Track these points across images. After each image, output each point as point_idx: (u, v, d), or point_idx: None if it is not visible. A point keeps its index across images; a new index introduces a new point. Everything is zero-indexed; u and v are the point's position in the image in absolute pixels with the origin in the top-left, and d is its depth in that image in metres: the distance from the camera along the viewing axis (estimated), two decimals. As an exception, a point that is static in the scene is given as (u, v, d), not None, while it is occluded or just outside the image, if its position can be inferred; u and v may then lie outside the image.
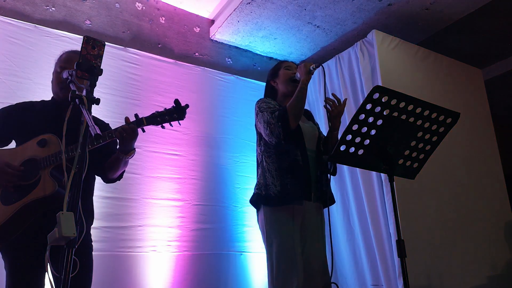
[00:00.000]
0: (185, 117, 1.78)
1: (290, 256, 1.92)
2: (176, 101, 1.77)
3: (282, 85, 2.25)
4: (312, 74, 2.09)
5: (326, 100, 2.14)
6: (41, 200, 1.60)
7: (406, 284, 1.52)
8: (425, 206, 2.97)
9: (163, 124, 1.77)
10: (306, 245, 2.02)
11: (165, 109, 1.77)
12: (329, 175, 2.12)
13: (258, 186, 2.11)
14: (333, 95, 2.17)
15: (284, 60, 2.47)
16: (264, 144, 2.13)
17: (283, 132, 1.97)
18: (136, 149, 1.81)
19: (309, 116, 2.37)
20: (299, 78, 2.10)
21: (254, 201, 2.12)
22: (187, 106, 1.78)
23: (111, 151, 1.84)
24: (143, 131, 1.76)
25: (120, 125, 1.71)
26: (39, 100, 1.91)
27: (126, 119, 1.73)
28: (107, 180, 1.94)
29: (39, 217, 1.63)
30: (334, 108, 2.13)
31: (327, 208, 2.17)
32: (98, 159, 1.80)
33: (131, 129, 1.70)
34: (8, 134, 1.82)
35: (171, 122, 1.77)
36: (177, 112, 1.76)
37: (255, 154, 2.23)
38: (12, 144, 1.83)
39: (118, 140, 1.74)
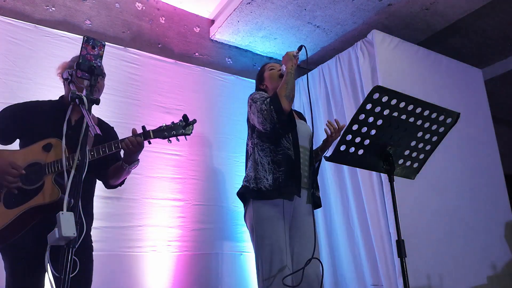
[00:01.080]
0: (192, 133, 1.78)
1: (280, 257, 1.91)
2: (184, 116, 1.78)
3: (270, 83, 2.27)
4: (297, 57, 2.11)
5: (328, 123, 2.18)
6: (43, 207, 1.59)
7: (406, 284, 1.52)
8: (425, 206, 2.97)
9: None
10: (297, 244, 2.01)
11: (173, 123, 1.77)
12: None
13: (247, 179, 2.10)
14: (336, 121, 2.19)
15: (266, 63, 2.50)
16: (257, 136, 2.13)
17: (277, 115, 1.95)
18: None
19: (301, 116, 2.40)
20: (285, 68, 2.12)
21: (242, 193, 2.11)
22: (194, 121, 1.79)
23: (115, 158, 1.85)
24: (149, 143, 1.77)
25: (121, 125, 1.72)
26: (45, 100, 1.91)
27: (133, 130, 1.74)
28: (108, 186, 1.95)
29: (40, 218, 1.62)
30: (333, 134, 2.16)
31: (317, 209, 2.18)
32: (101, 165, 1.81)
33: (138, 142, 1.70)
34: (13, 133, 1.81)
35: (178, 137, 1.78)
36: (184, 127, 1.77)
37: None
38: (16, 143, 1.83)
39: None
